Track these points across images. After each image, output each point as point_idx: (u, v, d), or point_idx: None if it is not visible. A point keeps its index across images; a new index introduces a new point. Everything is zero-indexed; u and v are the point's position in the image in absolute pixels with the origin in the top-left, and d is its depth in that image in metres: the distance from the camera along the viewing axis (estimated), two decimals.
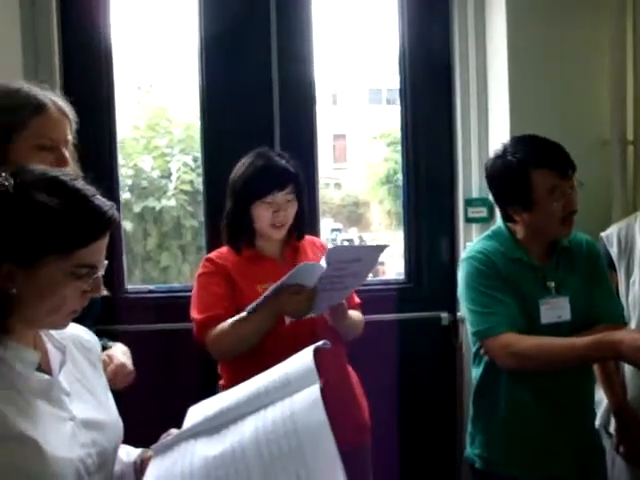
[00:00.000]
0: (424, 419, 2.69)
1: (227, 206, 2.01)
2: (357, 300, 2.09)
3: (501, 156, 1.85)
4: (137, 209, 3.45)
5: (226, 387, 1.92)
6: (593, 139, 2.44)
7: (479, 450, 1.90)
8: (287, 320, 1.84)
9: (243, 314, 1.82)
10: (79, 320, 1.57)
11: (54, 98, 1.55)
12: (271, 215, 1.92)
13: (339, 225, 5.31)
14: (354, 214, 5.90)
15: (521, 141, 1.85)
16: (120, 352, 1.67)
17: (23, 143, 1.49)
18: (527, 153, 1.80)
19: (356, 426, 2.01)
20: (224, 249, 2.01)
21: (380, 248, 1.92)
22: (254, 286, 1.90)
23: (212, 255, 2.00)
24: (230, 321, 1.84)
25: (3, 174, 1.06)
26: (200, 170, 3.32)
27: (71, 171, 1.53)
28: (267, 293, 1.78)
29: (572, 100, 2.45)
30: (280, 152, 2.05)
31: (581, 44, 2.47)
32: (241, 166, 1.99)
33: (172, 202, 3.50)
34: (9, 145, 1.47)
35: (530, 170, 1.78)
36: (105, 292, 1.51)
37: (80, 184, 1.10)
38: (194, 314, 1.92)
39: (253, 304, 1.79)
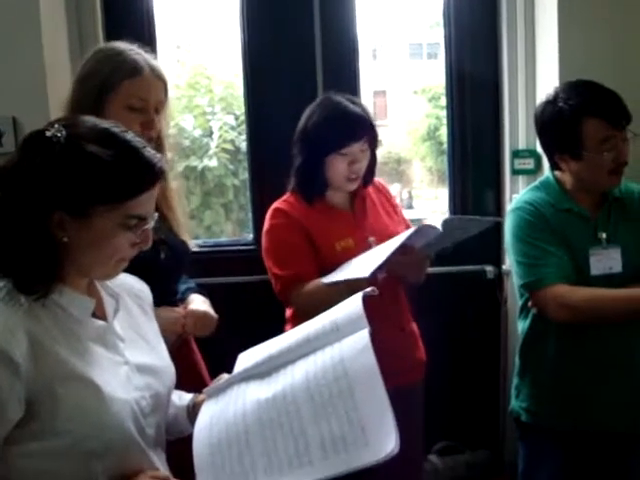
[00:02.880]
0: (468, 372, 2.70)
1: (297, 157, 1.93)
2: None
3: (552, 102, 1.79)
4: (179, 168, 3.47)
5: None
6: None
7: (525, 403, 1.89)
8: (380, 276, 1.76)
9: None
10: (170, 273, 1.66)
11: (151, 62, 1.62)
12: (347, 167, 1.86)
13: (382, 182, 5.25)
14: (395, 171, 5.83)
15: (574, 87, 1.79)
16: (200, 301, 1.72)
17: (113, 104, 1.56)
18: (581, 100, 1.74)
19: (415, 364, 2.02)
20: (291, 198, 1.95)
21: (490, 221, 1.88)
22: (332, 244, 1.86)
23: (281, 205, 1.93)
24: (322, 283, 1.75)
25: (56, 125, 1.09)
26: (241, 129, 3.33)
27: (155, 133, 1.61)
28: (384, 260, 1.64)
29: (625, 45, 2.35)
30: (351, 97, 1.93)
31: None
32: (312, 115, 1.89)
33: (214, 161, 3.51)
34: (101, 106, 1.55)
35: (582, 118, 1.72)
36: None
37: (130, 136, 1.12)
38: (275, 270, 1.87)
39: (375, 268, 1.62)
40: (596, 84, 1.77)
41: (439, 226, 1.66)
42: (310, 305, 1.79)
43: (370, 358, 1.03)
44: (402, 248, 1.66)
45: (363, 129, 1.87)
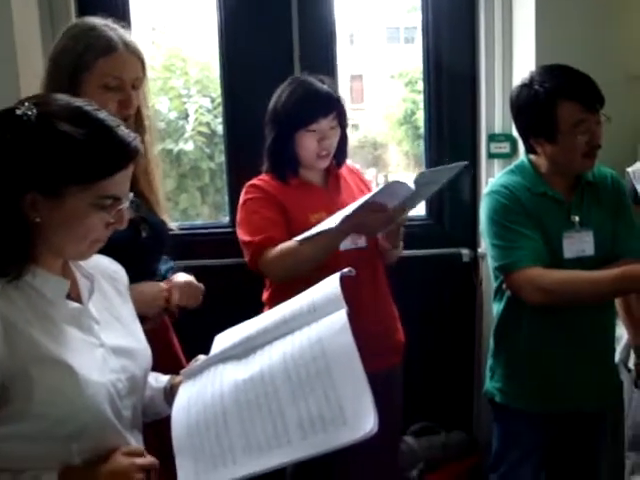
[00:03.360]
0: (443, 354, 2.73)
1: (268, 137, 1.97)
2: None
3: (528, 85, 1.80)
4: (154, 151, 3.43)
5: None
6: (621, 73, 2.37)
7: (499, 384, 1.92)
8: (342, 246, 1.83)
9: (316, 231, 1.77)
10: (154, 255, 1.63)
11: (126, 37, 1.57)
12: (316, 144, 1.89)
13: (357, 166, 5.25)
14: (372, 155, 5.83)
15: (550, 70, 1.80)
16: (184, 275, 1.71)
17: (89, 84, 1.52)
18: (556, 83, 1.75)
19: (395, 347, 2.05)
20: (266, 177, 1.97)
21: (460, 165, 1.90)
22: (307, 216, 1.88)
23: (256, 182, 1.96)
24: (295, 240, 1.80)
25: (26, 104, 1.06)
26: (217, 112, 3.29)
27: (133, 111, 1.58)
28: (352, 210, 1.72)
29: (600, 33, 2.37)
30: (320, 77, 1.97)
31: None
32: (281, 94, 1.93)
33: (189, 144, 3.47)
34: (76, 85, 1.51)
35: (557, 101, 1.74)
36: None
37: (104, 114, 1.09)
38: (245, 237, 1.89)
39: (343, 218, 1.72)
40: (571, 68, 1.79)
41: (411, 184, 1.70)
42: (280, 267, 1.83)
43: (348, 338, 1.03)
44: (373, 205, 1.71)
45: (330, 105, 1.90)
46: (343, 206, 1.86)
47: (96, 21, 1.58)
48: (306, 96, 1.89)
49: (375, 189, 1.72)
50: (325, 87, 1.91)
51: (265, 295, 2.02)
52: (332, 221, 1.74)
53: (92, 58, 1.53)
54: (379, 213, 1.74)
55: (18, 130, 1.03)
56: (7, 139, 1.03)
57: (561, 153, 1.79)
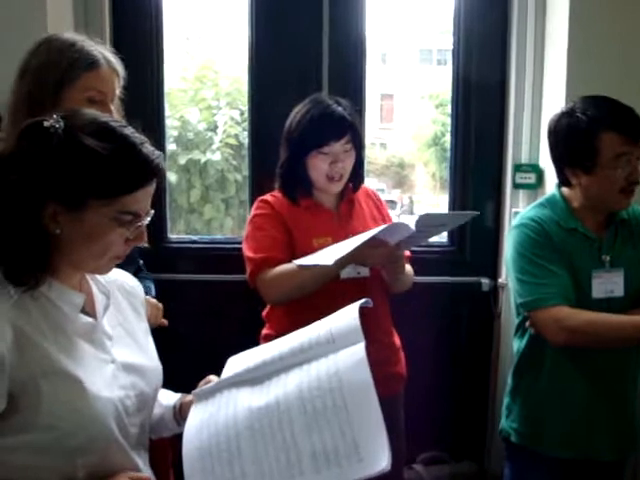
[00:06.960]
0: (457, 383, 2.68)
1: (282, 155, 1.95)
2: (408, 253, 2.02)
3: (569, 113, 1.74)
4: (182, 161, 3.45)
5: (269, 336, 1.93)
6: None
7: (516, 424, 1.85)
8: (343, 274, 1.83)
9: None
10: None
11: (106, 54, 1.60)
12: (328, 166, 1.87)
13: (383, 186, 5.23)
14: (398, 175, 5.82)
15: (593, 100, 1.74)
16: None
17: (73, 96, 1.54)
18: (599, 113, 1.69)
19: (393, 377, 2.01)
20: (278, 194, 1.97)
21: (467, 215, 1.89)
22: (310, 240, 1.87)
23: (268, 198, 1.95)
24: (294, 264, 1.78)
25: (55, 116, 1.08)
26: (245, 124, 3.30)
27: None
28: (354, 248, 1.67)
29: (634, 64, 2.33)
30: (337, 99, 1.94)
31: None
32: (297, 114, 1.91)
33: (217, 155, 3.49)
34: (60, 98, 1.52)
35: (599, 131, 1.67)
36: (146, 244, 1.56)
37: (129, 131, 1.11)
38: (249, 253, 1.88)
39: (339, 257, 1.67)
40: (613, 99, 1.73)
41: (412, 225, 1.68)
42: (275, 289, 1.83)
43: (365, 372, 1.02)
44: (374, 241, 1.69)
45: (342, 129, 1.86)
46: (352, 232, 1.84)
47: (75, 37, 1.61)
48: (319, 118, 1.86)
49: (379, 227, 1.71)
50: (340, 109, 1.88)
51: (265, 312, 2.02)
52: (331, 254, 1.70)
53: (77, 73, 1.55)
54: (379, 248, 1.73)
55: (44, 141, 1.04)
56: (33, 150, 1.05)
57: (597, 186, 1.72)
